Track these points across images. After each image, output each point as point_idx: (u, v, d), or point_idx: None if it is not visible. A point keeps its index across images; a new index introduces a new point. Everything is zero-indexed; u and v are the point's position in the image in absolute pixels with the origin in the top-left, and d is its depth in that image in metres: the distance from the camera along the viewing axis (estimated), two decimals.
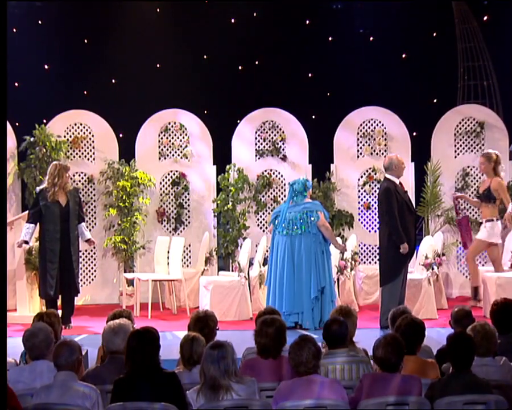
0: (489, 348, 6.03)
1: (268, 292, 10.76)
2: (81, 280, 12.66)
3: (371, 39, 17.33)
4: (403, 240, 10.26)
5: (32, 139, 12.86)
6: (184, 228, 13.43)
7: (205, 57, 17.15)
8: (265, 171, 13.44)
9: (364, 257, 13.44)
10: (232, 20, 17.24)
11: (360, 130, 13.51)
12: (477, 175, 13.46)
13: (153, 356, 5.61)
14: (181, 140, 13.44)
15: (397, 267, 10.38)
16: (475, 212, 13.31)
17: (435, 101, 16.81)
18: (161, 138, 13.46)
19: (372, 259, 13.36)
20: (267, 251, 12.36)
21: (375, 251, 13.25)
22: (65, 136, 13.17)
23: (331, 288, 10.60)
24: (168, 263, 12.16)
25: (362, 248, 13.38)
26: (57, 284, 10.73)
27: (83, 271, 13.08)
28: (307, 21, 17.31)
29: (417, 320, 6.38)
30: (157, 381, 5.52)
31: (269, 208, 13.28)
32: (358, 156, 13.48)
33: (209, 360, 5.41)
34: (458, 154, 13.51)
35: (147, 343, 5.61)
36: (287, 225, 10.58)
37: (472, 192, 13.43)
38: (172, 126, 13.45)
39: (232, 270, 12.42)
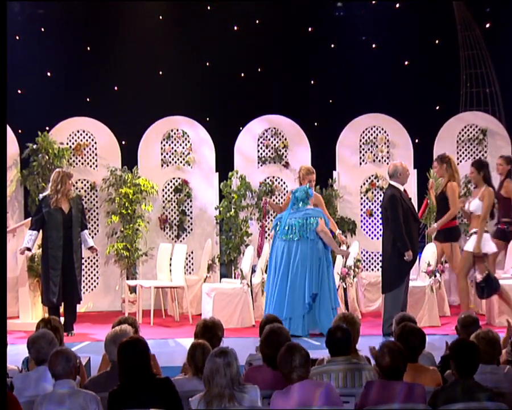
0: (493, 356, 6.02)
1: (266, 297, 10.81)
2: (84, 287, 12.67)
3: (374, 46, 17.33)
4: (408, 247, 10.25)
5: (34, 146, 12.87)
6: (186, 235, 13.43)
7: (207, 64, 17.16)
8: (268, 178, 13.44)
9: (367, 264, 13.43)
10: (235, 27, 17.26)
11: (363, 137, 13.51)
12: None
13: (144, 364, 5.60)
14: (183, 147, 13.45)
15: (401, 274, 10.36)
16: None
17: (437, 108, 16.81)
18: (164, 145, 13.47)
19: (375, 266, 13.35)
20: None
21: (378, 258, 13.24)
22: (67, 144, 13.18)
23: (331, 296, 10.57)
24: (170, 271, 12.16)
25: (364, 255, 13.37)
26: (59, 291, 10.73)
27: (86, 278, 13.08)
28: (310, 29, 17.32)
29: (417, 327, 6.39)
30: (152, 388, 5.52)
31: (271, 215, 13.27)
32: (360, 163, 13.48)
33: (214, 368, 5.37)
34: (461, 161, 13.50)
35: (136, 352, 5.60)
36: (286, 230, 10.61)
37: None
38: (175, 133, 13.46)
39: (234, 277, 12.42)
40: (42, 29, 16.40)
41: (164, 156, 13.45)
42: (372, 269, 13.35)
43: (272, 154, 13.47)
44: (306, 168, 11.57)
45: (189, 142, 13.45)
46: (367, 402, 5.54)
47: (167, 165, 13.46)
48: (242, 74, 17.41)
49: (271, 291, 10.66)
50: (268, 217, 13.04)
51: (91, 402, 5.55)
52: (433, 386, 5.85)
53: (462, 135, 13.55)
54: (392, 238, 10.34)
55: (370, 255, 13.46)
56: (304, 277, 10.46)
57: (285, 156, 13.46)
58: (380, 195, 13.30)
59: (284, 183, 13.40)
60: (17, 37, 15.62)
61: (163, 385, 5.58)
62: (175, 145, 13.45)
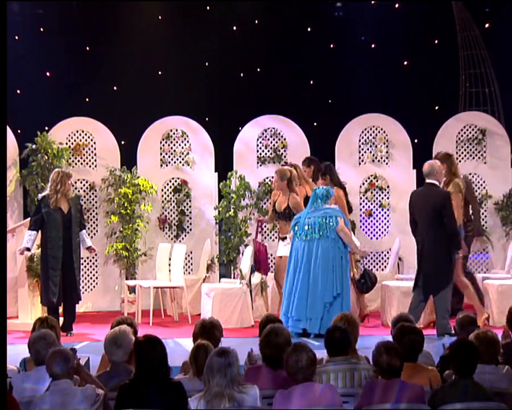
0: (492, 355, 6.03)
1: (283, 298, 10.60)
2: (83, 287, 12.67)
3: (373, 46, 17.33)
4: (461, 246, 10.38)
5: (34, 146, 12.87)
6: (185, 235, 13.43)
7: (206, 64, 17.15)
8: (267, 178, 13.44)
9: (366, 264, 13.41)
10: (234, 28, 17.26)
11: (362, 137, 13.52)
12: (478, 182, 13.47)
13: (162, 363, 5.60)
14: (182, 148, 13.45)
15: (450, 274, 10.30)
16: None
17: (437, 108, 16.81)
18: (163, 145, 13.47)
19: (374, 267, 13.34)
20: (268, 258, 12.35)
21: (377, 258, 13.27)
22: (66, 144, 13.18)
23: (347, 297, 10.39)
24: (169, 271, 12.16)
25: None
26: (59, 291, 10.73)
27: (85, 278, 13.08)
28: (309, 29, 17.32)
29: (415, 327, 6.40)
30: (164, 389, 5.50)
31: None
32: (359, 163, 13.48)
33: (215, 368, 5.37)
34: (460, 161, 13.50)
35: (159, 348, 5.61)
36: (306, 230, 10.48)
37: None
38: (174, 133, 13.46)
39: (234, 277, 12.42)
40: (42, 29, 16.39)
41: (163, 156, 13.46)
42: (371, 269, 13.32)
43: (271, 154, 13.47)
44: (280, 174, 11.28)
45: (188, 142, 13.45)
46: (367, 402, 5.54)
47: (166, 166, 13.47)
48: (241, 74, 17.41)
49: (290, 291, 10.45)
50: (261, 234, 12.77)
51: (89, 395, 5.54)
52: (432, 385, 5.86)
53: (462, 135, 13.55)
54: (445, 239, 10.21)
55: (369, 255, 13.43)
56: (326, 277, 10.26)
57: (285, 156, 13.46)
58: (379, 195, 13.33)
59: None
60: (16, 37, 15.60)
61: (175, 389, 5.54)
62: (174, 145, 13.46)
